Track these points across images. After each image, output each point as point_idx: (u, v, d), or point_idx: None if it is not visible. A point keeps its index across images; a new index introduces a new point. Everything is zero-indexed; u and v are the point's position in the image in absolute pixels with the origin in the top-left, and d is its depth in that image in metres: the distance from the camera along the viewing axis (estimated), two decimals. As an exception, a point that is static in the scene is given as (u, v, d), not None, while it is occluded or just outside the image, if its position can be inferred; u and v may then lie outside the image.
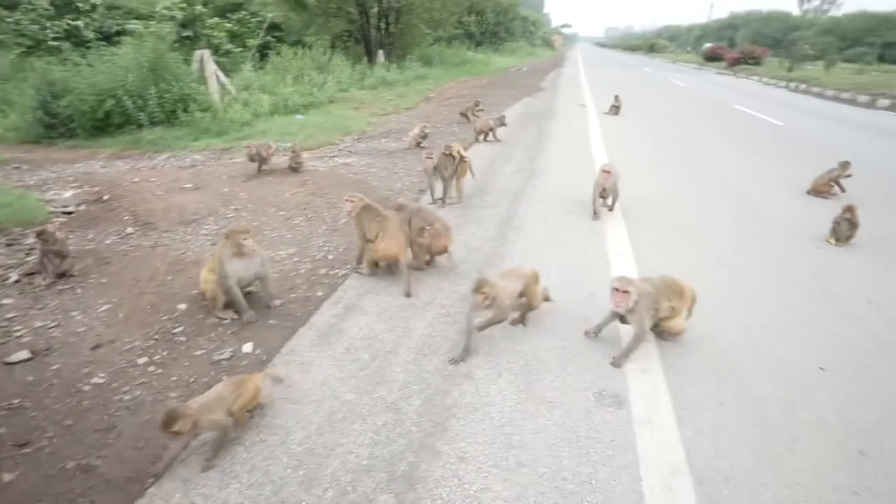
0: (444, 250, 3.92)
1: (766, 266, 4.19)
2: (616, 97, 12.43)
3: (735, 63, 32.96)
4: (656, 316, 2.93)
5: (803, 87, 20.85)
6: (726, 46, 42.01)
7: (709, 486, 2.11)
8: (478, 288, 2.85)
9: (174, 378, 2.75)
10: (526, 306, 3.24)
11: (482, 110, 11.18)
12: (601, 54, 67.45)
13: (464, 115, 10.83)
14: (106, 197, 5.63)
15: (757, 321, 3.35)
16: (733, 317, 3.40)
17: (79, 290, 3.65)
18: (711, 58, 39.38)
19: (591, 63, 39.62)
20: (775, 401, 2.61)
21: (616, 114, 12.08)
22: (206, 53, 10.08)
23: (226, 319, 3.25)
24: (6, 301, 3.44)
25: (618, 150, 8.38)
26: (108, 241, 4.49)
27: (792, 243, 4.66)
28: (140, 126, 8.47)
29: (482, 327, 3.03)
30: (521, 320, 3.29)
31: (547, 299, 3.43)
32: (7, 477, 2.12)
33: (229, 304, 3.29)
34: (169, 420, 2.08)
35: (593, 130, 10.12)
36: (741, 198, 6.02)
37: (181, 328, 3.19)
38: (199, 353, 2.96)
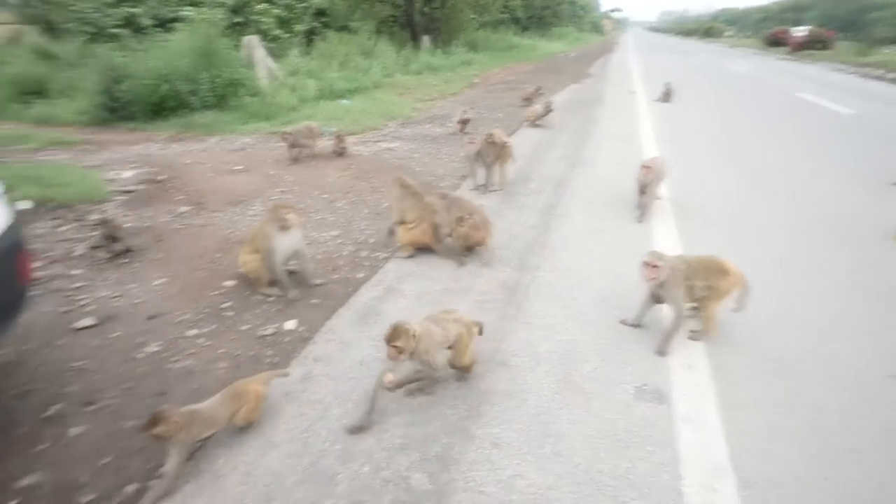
0: (482, 243, 3.88)
1: (827, 264, 3.95)
2: (667, 84, 11.92)
3: (800, 48, 30.93)
4: (692, 295, 2.83)
5: (879, 72, 19.33)
6: (790, 30, 39.43)
7: (754, 489, 2.03)
8: (391, 338, 2.27)
9: (221, 350, 2.87)
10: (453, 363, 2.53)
11: (542, 94, 11.09)
12: (654, 39, 64.74)
13: (527, 99, 10.75)
14: (162, 177, 5.90)
15: (816, 322, 3.17)
16: (790, 316, 3.22)
17: (137, 265, 3.85)
18: (774, 42, 37.09)
19: (642, 48, 38.11)
20: (835, 407, 2.47)
21: (667, 101, 11.60)
22: (255, 39, 10.33)
23: (271, 297, 3.36)
24: (74, 272, 3.68)
25: (668, 138, 8.06)
26: (163, 219, 4.71)
27: (857, 241, 4.36)
28: (193, 110, 8.80)
29: (397, 386, 2.41)
30: (459, 377, 2.60)
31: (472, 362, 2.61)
32: (75, 431, 2.28)
33: (273, 282, 3.40)
34: (152, 422, 1.99)
35: (643, 118, 9.76)
36: (803, 192, 5.67)
37: (229, 303, 3.32)
38: (244, 327, 3.08)
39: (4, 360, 2.69)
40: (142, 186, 5.64)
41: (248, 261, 3.38)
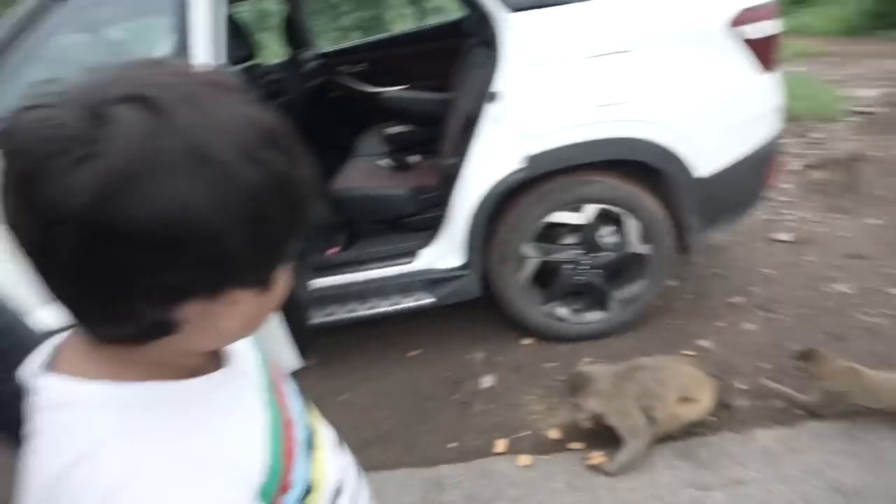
0: None
1: None
2: None
3: None
4: None
5: None
6: None
7: None
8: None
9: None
10: None
11: None
12: None
13: None
14: (910, 100, 4.95)
15: None
16: None
17: (849, 195, 3.56)
18: None
19: None
20: None
21: None
22: None
23: None
24: (785, 186, 3.81)
25: None
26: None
27: None
28: None
29: None
30: None
31: None
32: (747, 326, 2.54)
33: None
34: (806, 356, 1.97)
35: None
36: None
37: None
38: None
39: (715, 243, 3.22)
40: (882, 109, 4.95)
41: None
